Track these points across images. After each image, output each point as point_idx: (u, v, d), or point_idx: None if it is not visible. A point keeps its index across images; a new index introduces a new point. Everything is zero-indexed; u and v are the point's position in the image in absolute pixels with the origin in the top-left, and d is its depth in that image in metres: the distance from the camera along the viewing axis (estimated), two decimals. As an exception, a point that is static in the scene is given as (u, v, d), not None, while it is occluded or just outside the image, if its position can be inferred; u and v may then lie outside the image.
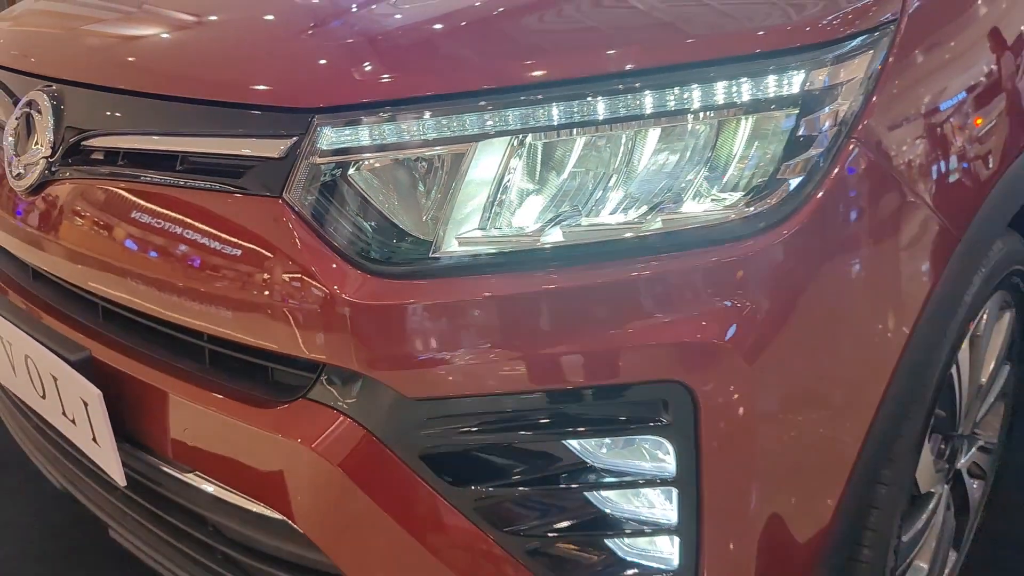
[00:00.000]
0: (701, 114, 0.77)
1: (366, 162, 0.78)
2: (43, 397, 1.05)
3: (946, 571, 1.29)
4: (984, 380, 1.22)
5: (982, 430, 1.35)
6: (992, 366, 1.23)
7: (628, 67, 0.77)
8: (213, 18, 1.04)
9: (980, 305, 1.05)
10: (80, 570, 1.51)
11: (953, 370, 1.06)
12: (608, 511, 0.82)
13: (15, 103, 1.11)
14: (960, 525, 1.31)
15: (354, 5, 0.92)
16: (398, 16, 0.90)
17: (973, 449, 1.30)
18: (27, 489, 1.73)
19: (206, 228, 0.84)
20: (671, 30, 0.82)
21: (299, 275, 0.78)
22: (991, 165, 0.92)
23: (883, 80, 0.81)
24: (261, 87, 0.83)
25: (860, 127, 0.79)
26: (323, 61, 0.84)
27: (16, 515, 1.66)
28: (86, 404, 0.94)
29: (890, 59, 0.81)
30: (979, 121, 0.91)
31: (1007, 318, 1.24)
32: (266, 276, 0.80)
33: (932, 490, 1.15)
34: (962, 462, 1.26)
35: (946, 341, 0.96)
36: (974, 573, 1.40)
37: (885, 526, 0.98)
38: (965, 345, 1.08)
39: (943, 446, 1.16)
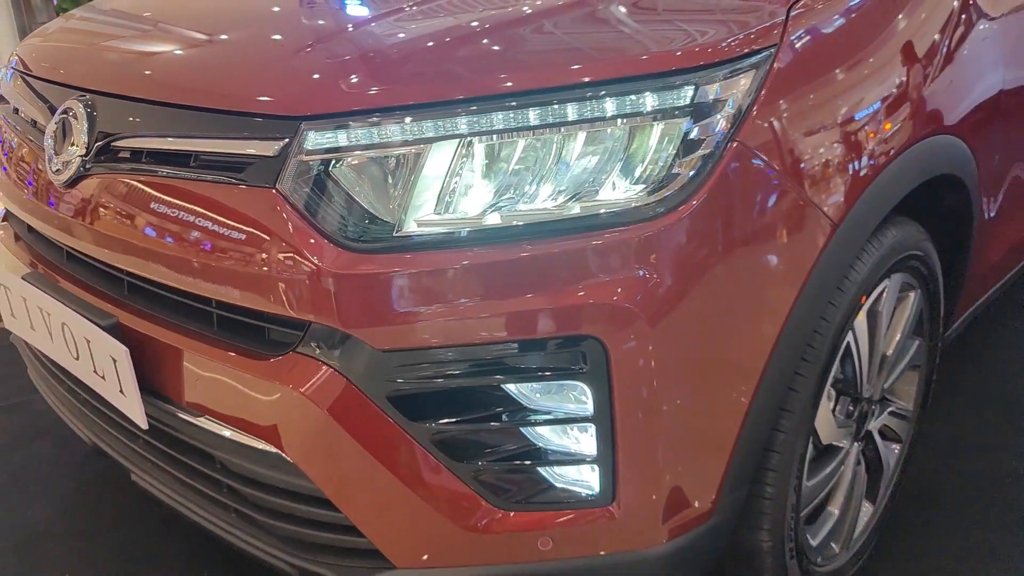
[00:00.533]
0: (616, 121, 0.96)
1: (344, 159, 0.97)
2: (76, 358, 1.24)
3: (862, 521, 1.47)
4: (890, 352, 1.40)
5: (896, 397, 1.53)
6: (898, 339, 1.41)
7: (555, 83, 0.96)
8: (218, 38, 1.23)
9: (872, 283, 1.23)
10: (105, 520, 1.70)
11: (851, 339, 1.24)
12: (541, 445, 1.01)
13: (50, 109, 1.31)
14: (874, 481, 1.49)
15: (335, 30, 1.12)
16: (369, 41, 1.09)
17: (884, 414, 1.48)
18: (59, 454, 1.93)
19: (213, 214, 1.03)
20: (586, 53, 1.00)
21: (289, 251, 0.97)
22: (865, 165, 1.10)
23: (763, 94, 0.99)
24: (258, 98, 1.02)
25: (743, 131, 0.97)
26: (308, 77, 1.03)
27: (48, 475, 1.86)
28: (115, 361, 1.13)
29: (769, 78, 1.00)
30: (851, 128, 1.09)
31: (912, 298, 1.42)
32: (263, 252, 0.99)
33: (839, 444, 1.33)
34: (873, 424, 1.44)
35: (834, 312, 1.14)
36: (894, 527, 1.58)
37: (784, 467, 1.16)
38: (862, 318, 1.26)
39: (851, 407, 1.34)
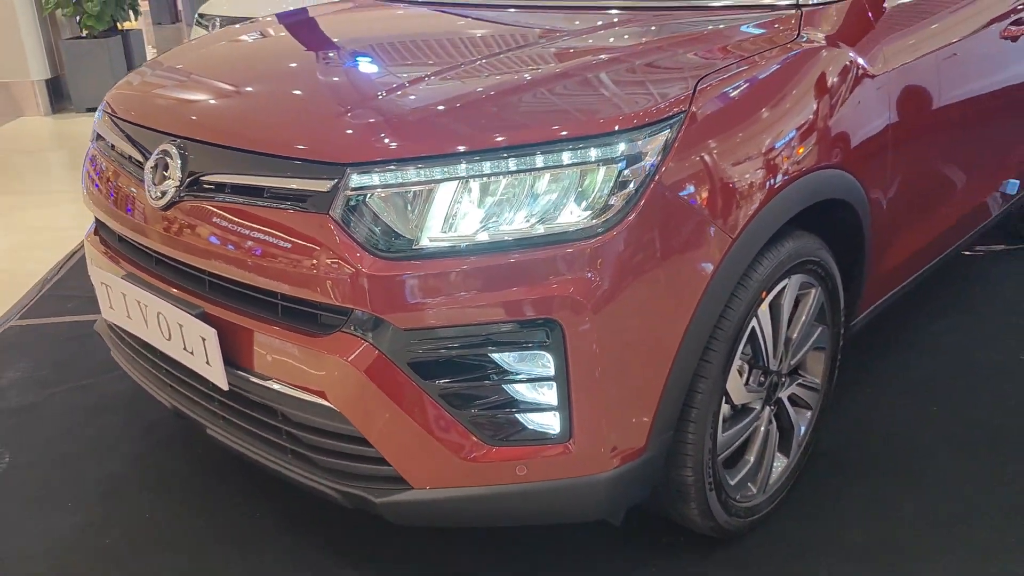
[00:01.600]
0: (571, 167, 1.36)
1: (376, 194, 1.36)
2: (169, 339, 1.63)
3: (777, 470, 1.87)
4: (794, 335, 1.79)
5: (806, 372, 1.93)
6: (801, 326, 1.80)
7: (529, 140, 1.36)
8: (283, 94, 1.64)
9: (772, 282, 1.62)
10: (169, 475, 2.09)
11: (756, 325, 1.64)
12: (518, 398, 1.40)
13: (140, 147, 1.71)
14: (787, 439, 1.89)
15: (371, 96, 1.52)
16: (395, 106, 1.49)
17: (794, 385, 1.87)
18: (127, 423, 2.32)
19: (280, 232, 1.42)
20: (551, 118, 1.40)
21: (336, 258, 1.36)
22: (757, 195, 1.49)
23: (676, 146, 1.39)
24: (316, 149, 1.41)
25: (660, 173, 1.37)
26: (352, 135, 1.43)
27: (118, 441, 2.25)
28: (204, 340, 1.53)
29: (680, 134, 1.39)
30: (745, 168, 1.48)
31: (813, 293, 1.81)
32: (317, 259, 1.38)
33: (751, 406, 1.73)
34: (784, 393, 1.83)
35: (738, 304, 1.54)
36: (809, 477, 1.98)
37: (702, 419, 1.55)
38: (765, 309, 1.65)
39: (762, 378, 1.73)
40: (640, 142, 1.37)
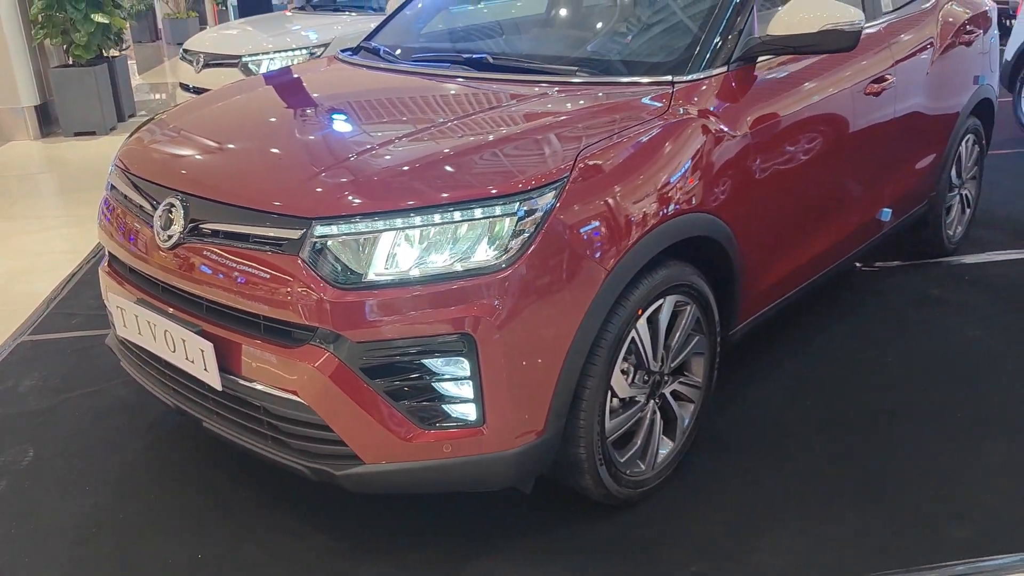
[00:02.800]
0: (482, 219, 1.81)
1: (335, 240, 1.81)
2: (174, 351, 2.07)
3: (663, 452, 2.32)
4: (673, 343, 2.26)
5: (690, 372, 2.39)
6: (679, 335, 2.26)
7: (450, 200, 1.81)
8: (267, 155, 2.09)
9: (648, 302, 2.08)
10: (168, 466, 2.52)
11: (636, 335, 2.10)
12: (444, 392, 1.85)
13: (145, 197, 2.15)
14: (672, 427, 2.35)
15: (339, 160, 1.97)
16: (355, 170, 1.93)
17: (675, 383, 2.33)
18: (131, 423, 2.75)
19: (262, 268, 1.87)
20: (468, 180, 1.86)
21: (305, 289, 1.81)
22: (628, 237, 1.96)
23: (561, 200, 1.85)
24: (290, 205, 1.86)
25: (549, 221, 1.83)
26: (318, 195, 1.87)
27: (125, 438, 2.67)
28: (203, 351, 1.97)
29: (565, 191, 1.86)
30: (618, 215, 1.94)
31: (689, 310, 2.27)
32: (290, 289, 1.82)
33: (636, 398, 2.18)
34: (666, 389, 2.29)
35: (617, 319, 2.00)
36: (692, 456, 2.44)
37: (590, 408, 2.01)
38: (643, 323, 2.11)
39: (645, 377, 2.19)
40: (533, 200, 1.83)
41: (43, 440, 2.67)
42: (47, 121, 7.47)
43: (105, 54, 7.61)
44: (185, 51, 5.86)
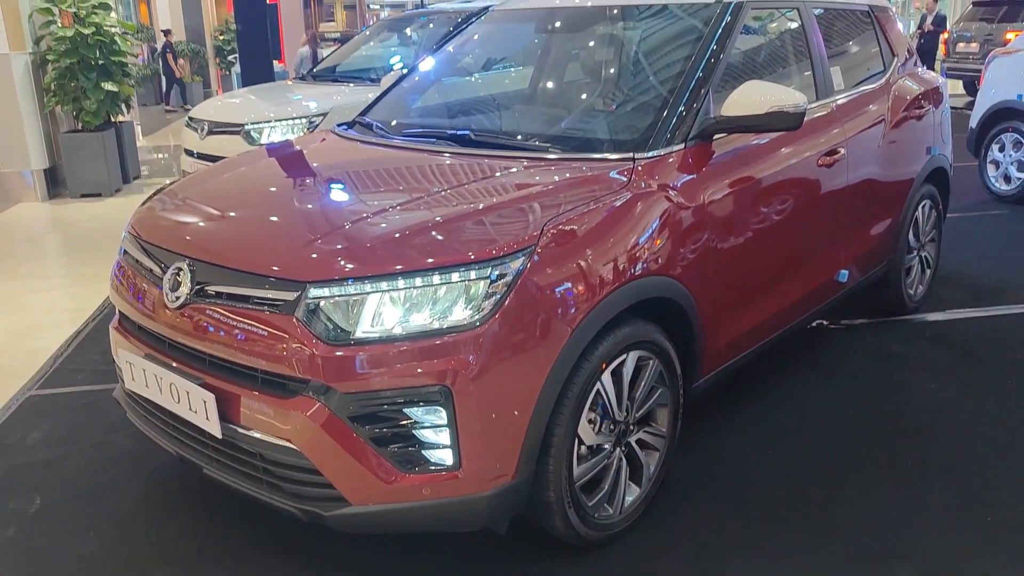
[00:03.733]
0: (459, 282, 2.03)
1: (327, 301, 2.02)
2: (178, 402, 2.26)
3: (631, 497, 2.50)
4: (637, 395, 2.45)
5: (655, 422, 2.58)
6: (643, 388, 2.46)
7: (432, 266, 2.03)
8: (267, 223, 2.32)
9: (612, 357, 2.29)
10: (167, 512, 2.69)
11: (601, 387, 2.30)
12: (423, 439, 2.04)
13: (155, 261, 2.36)
14: (638, 473, 2.53)
15: (333, 228, 2.20)
16: (346, 237, 2.16)
17: (641, 432, 2.52)
18: (133, 472, 2.92)
19: (260, 326, 2.08)
20: (448, 247, 2.08)
21: (300, 345, 2.01)
22: (591, 298, 2.17)
23: (529, 265, 2.07)
24: (287, 271, 2.08)
25: (518, 284, 2.05)
26: (312, 261, 2.09)
27: (128, 486, 2.84)
28: (205, 402, 2.16)
29: (532, 259, 2.08)
30: (582, 279, 2.16)
31: (651, 364, 2.48)
32: (286, 345, 2.03)
33: (602, 445, 2.37)
34: (632, 438, 2.48)
35: (582, 373, 2.20)
36: (659, 501, 2.61)
37: (559, 455, 2.20)
38: (608, 376, 2.31)
39: (611, 426, 2.39)
40: (504, 264, 2.05)
41: (50, 488, 2.84)
42: (55, 183, 7.76)
43: (113, 119, 7.95)
44: (190, 119, 6.16)
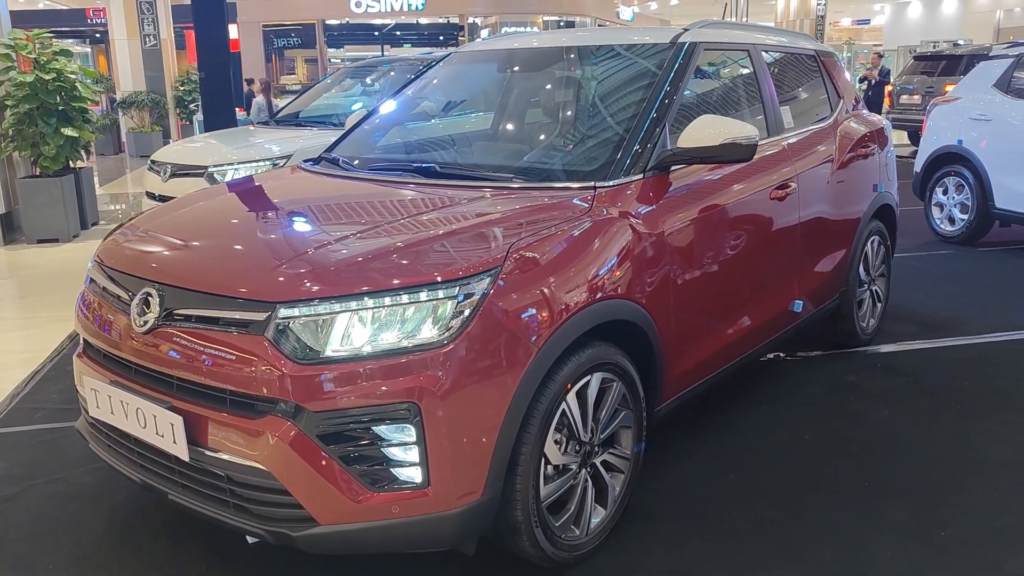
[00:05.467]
0: (427, 301, 2.08)
1: (296, 321, 2.06)
2: (144, 427, 2.25)
3: (597, 518, 2.53)
4: (602, 416, 2.51)
5: (619, 444, 2.63)
6: (606, 410, 2.52)
7: (399, 286, 2.08)
8: (235, 249, 2.35)
9: (576, 378, 2.34)
10: (129, 543, 2.64)
11: (566, 407, 2.34)
12: (392, 457, 2.07)
13: (122, 288, 2.37)
14: (604, 495, 2.56)
15: (299, 252, 2.24)
16: (313, 260, 2.20)
17: (605, 453, 2.57)
18: (93, 508, 2.87)
19: (229, 348, 2.10)
20: (416, 269, 2.13)
21: (269, 365, 2.04)
22: (555, 319, 2.24)
23: (496, 285, 2.13)
24: (256, 293, 2.11)
25: (485, 304, 2.10)
26: (281, 283, 2.13)
27: (89, 520, 2.79)
28: (172, 425, 2.16)
29: (499, 277, 2.14)
30: (546, 300, 2.23)
31: (615, 386, 2.54)
32: (255, 366, 2.05)
33: (568, 466, 2.41)
34: (597, 459, 2.53)
35: (548, 392, 2.25)
36: (626, 523, 2.65)
37: (525, 474, 2.23)
38: (573, 396, 2.36)
39: (577, 447, 2.43)
40: (471, 285, 2.11)
41: (6, 525, 2.78)
42: (10, 229, 7.66)
43: (72, 165, 7.90)
44: (153, 162, 6.17)
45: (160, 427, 2.21)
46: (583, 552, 2.48)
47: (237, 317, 2.12)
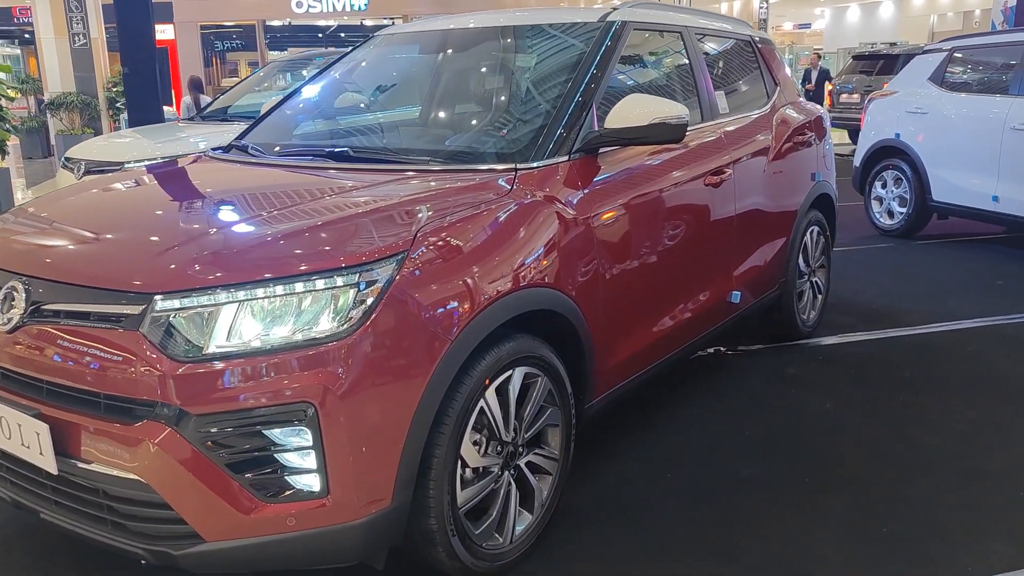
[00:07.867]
0: (324, 290, 1.87)
1: (176, 314, 1.84)
2: (9, 438, 2.01)
3: (522, 524, 2.35)
4: (526, 414, 2.33)
5: (546, 444, 2.45)
6: (531, 407, 2.34)
7: (293, 272, 1.87)
8: (108, 239, 2.11)
9: (495, 372, 2.16)
10: (12, 564, 2.39)
11: (485, 405, 2.16)
12: (286, 463, 1.86)
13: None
14: (530, 499, 2.38)
15: (183, 239, 2.01)
16: (195, 248, 1.98)
17: (530, 454, 2.39)
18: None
19: (102, 346, 1.87)
20: (312, 255, 1.93)
21: (146, 364, 1.81)
22: (469, 308, 2.05)
23: (400, 272, 1.93)
24: (130, 283, 1.88)
25: (389, 292, 1.91)
26: (158, 271, 1.91)
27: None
28: (38, 434, 1.92)
29: (404, 264, 1.95)
30: (458, 289, 2.04)
31: (540, 381, 2.36)
32: (133, 365, 1.82)
33: (489, 468, 2.22)
34: (521, 460, 2.35)
35: (463, 388, 2.06)
36: (556, 527, 2.47)
37: (439, 479, 2.04)
38: (492, 393, 2.18)
39: (499, 447, 2.24)
40: (373, 272, 1.91)
41: None
42: (-82, 233, 7.20)
43: (-15, 165, 7.48)
44: (67, 159, 5.82)
45: (25, 437, 1.96)
46: (507, 561, 2.30)
47: (110, 311, 1.89)
